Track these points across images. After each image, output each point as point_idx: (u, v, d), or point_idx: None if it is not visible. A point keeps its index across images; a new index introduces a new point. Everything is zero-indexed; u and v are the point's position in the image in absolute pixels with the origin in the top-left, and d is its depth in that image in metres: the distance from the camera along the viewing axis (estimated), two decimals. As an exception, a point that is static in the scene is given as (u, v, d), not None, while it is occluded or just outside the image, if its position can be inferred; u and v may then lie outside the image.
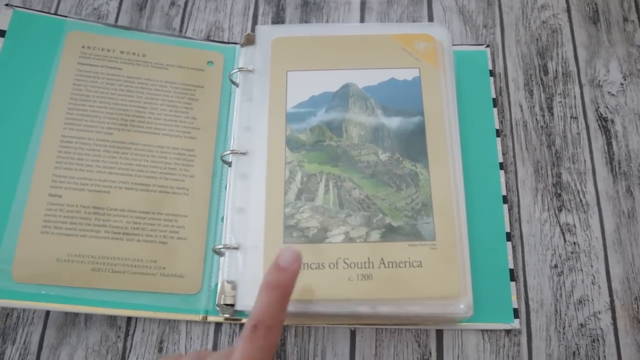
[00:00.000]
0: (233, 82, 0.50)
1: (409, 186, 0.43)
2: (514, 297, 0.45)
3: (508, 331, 0.44)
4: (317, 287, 0.40)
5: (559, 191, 0.49)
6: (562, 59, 0.54)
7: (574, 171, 0.49)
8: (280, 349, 0.44)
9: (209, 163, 0.48)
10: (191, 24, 0.55)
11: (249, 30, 0.55)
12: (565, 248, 0.47)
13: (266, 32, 0.49)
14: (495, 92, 0.51)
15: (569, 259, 0.46)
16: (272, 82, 0.47)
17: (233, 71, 0.49)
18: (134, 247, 0.44)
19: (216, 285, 0.44)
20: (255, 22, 0.56)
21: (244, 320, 0.44)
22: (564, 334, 0.44)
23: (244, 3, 0.56)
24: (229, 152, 0.46)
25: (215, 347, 0.44)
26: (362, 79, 0.47)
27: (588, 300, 0.45)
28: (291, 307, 0.39)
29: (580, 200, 0.48)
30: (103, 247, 0.44)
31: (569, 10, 0.56)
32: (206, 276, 0.45)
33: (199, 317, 0.44)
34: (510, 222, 0.47)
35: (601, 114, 0.51)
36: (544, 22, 0.55)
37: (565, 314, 0.45)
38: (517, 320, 0.44)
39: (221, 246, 0.44)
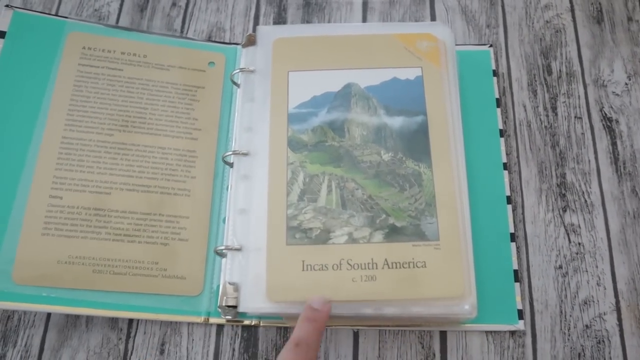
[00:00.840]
0: (234, 83, 0.50)
1: (412, 186, 0.43)
2: (518, 298, 0.44)
3: (512, 332, 0.44)
4: (321, 289, 0.39)
5: (563, 191, 0.48)
6: (566, 58, 0.53)
7: (578, 171, 0.49)
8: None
9: (210, 164, 0.48)
10: (192, 24, 0.55)
11: (250, 31, 0.55)
12: (570, 249, 0.46)
13: (267, 32, 0.49)
14: (499, 92, 0.51)
15: (573, 259, 0.46)
16: (274, 83, 0.47)
17: (234, 72, 0.49)
18: (135, 248, 0.44)
19: (218, 286, 0.44)
20: (256, 23, 0.55)
21: (246, 322, 0.44)
22: (569, 335, 0.44)
23: (246, 4, 0.56)
24: (230, 153, 0.46)
25: (217, 348, 0.44)
26: (364, 78, 0.47)
27: (593, 301, 0.45)
28: (296, 309, 0.39)
29: (585, 201, 0.48)
30: (104, 248, 0.44)
31: (572, 10, 0.55)
32: (208, 278, 0.44)
33: (200, 319, 0.44)
34: (514, 222, 0.47)
35: (605, 114, 0.51)
36: (547, 21, 0.55)
37: (570, 315, 0.44)
38: (521, 322, 0.44)
39: (223, 247, 0.43)
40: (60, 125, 0.46)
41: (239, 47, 0.52)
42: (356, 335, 0.44)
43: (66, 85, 0.48)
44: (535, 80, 0.52)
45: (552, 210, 0.48)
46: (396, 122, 0.45)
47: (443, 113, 0.45)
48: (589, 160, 0.49)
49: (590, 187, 0.48)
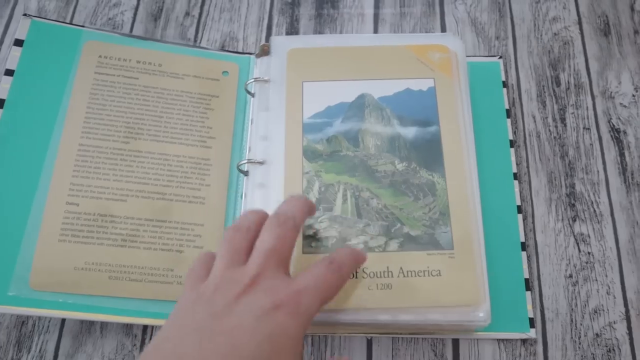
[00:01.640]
0: (249, 92, 0.50)
1: (427, 195, 0.44)
2: (529, 307, 0.45)
3: (524, 340, 0.44)
4: (337, 297, 0.40)
5: (572, 201, 0.49)
6: (574, 70, 0.54)
7: (587, 182, 0.50)
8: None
9: (224, 172, 0.48)
10: (205, 34, 0.56)
11: (263, 41, 0.56)
12: (580, 258, 0.47)
13: (282, 42, 0.50)
14: (509, 103, 0.52)
15: (583, 268, 0.47)
16: (288, 93, 0.47)
17: (249, 81, 0.50)
18: (150, 255, 0.45)
19: (233, 294, 0.44)
20: (269, 33, 0.56)
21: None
22: (579, 343, 0.44)
23: (258, 14, 0.57)
24: (245, 161, 0.47)
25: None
26: (378, 89, 0.48)
27: (603, 310, 0.45)
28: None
29: (594, 211, 0.49)
30: (120, 255, 0.44)
31: (580, 23, 0.56)
32: (223, 285, 0.45)
33: (215, 326, 0.44)
34: (524, 231, 0.47)
35: (613, 125, 0.52)
36: (555, 34, 0.56)
37: (581, 324, 0.45)
38: (533, 330, 0.44)
39: (238, 255, 0.44)
40: (77, 132, 0.47)
41: (252, 56, 0.53)
42: (370, 343, 0.44)
43: (83, 93, 0.48)
44: (545, 92, 0.53)
45: (562, 219, 0.48)
46: (410, 132, 0.46)
47: (456, 124, 0.46)
48: (598, 171, 0.50)
49: (599, 197, 0.49)
